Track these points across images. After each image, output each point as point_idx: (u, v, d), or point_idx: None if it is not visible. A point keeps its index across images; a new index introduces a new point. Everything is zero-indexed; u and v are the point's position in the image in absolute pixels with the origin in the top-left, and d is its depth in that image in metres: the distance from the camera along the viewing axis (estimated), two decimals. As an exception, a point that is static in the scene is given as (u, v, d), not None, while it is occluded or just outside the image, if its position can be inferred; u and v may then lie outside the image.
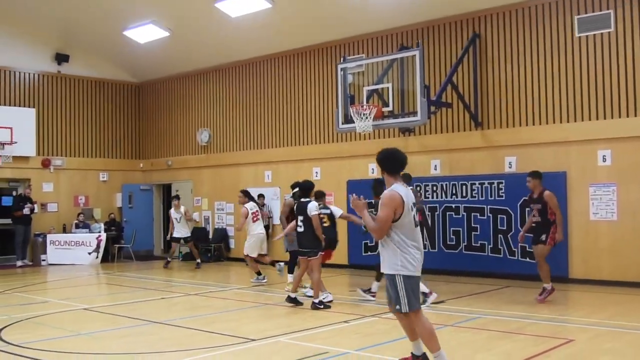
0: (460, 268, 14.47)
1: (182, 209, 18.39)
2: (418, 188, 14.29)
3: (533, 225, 11.19)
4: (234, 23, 17.47)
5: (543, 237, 10.94)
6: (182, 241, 18.48)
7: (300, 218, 10.90)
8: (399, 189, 6.41)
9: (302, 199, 11.09)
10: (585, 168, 13.34)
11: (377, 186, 10.84)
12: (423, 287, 10.45)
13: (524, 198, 11.24)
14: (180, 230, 18.29)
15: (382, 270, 6.51)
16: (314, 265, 10.86)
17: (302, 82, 18.38)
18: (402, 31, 16.08)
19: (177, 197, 18.96)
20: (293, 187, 13.60)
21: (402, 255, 6.29)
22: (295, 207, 11.30)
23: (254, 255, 14.42)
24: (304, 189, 11.19)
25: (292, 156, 18.34)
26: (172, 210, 18.44)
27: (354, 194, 6.81)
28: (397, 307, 6.37)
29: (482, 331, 8.83)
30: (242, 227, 14.43)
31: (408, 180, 11.45)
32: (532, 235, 11.32)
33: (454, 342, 8.23)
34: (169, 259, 18.40)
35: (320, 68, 17.93)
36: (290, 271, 13.11)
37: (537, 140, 13.97)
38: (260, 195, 18.41)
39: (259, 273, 14.51)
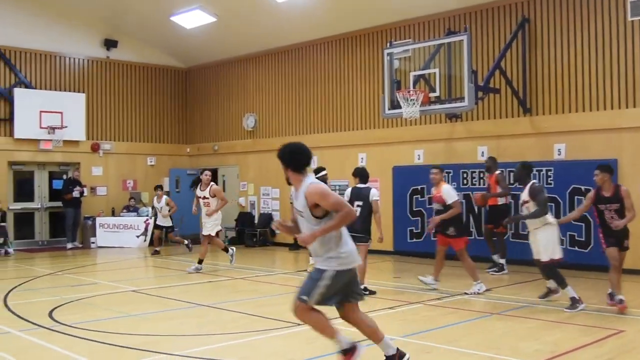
0: (507, 256, 14.29)
1: (164, 199, 18.14)
2: (504, 173, 13.98)
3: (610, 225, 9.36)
4: (281, 8, 17.47)
5: (627, 242, 9.43)
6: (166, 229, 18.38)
7: (358, 203, 10.79)
8: (314, 180, 6.03)
9: (360, 185, 11.07)
10: (638, 155, 13.05)
11: (522, 172, 10.03)
12: (572, 293, 9.42)
13: (598, 194, 9.86)
14: (163, 220, 18.22)
15: (315, 265, 6.00)
16: (362, 252, 10.83)
17: (348, 68, 18.32)
18: (450, 16, 15.90)
19: (160, 187, 18.63)
20: (316, 171, 13.79)
21: (338, 250, 5.86)
22: (350, 192, 11.11)
23: (214, 234, 14.48)
24: (363, 175, 11.16)
25: (337, 142, 18.31)
26: (155, 200, 18.40)
27: (299, 235, 6.05)
28: (305, 297, 5.83)
29: (529, 320, 8.74)
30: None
31: (525, 172, 10.10)
32: (608, 237, 9.42)
33: (500, 330, 8.19)
34: (157, 249, 18.09)
35: (366, 53, 17.84)
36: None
37: (587, 127, 13.71)
38: None
39: (201, 262, 14.29)
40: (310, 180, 5.99)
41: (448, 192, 10.92)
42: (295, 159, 6.05)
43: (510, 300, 10.21)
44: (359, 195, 10.93)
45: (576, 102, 13.99)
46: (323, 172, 13.78)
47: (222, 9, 18.56)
